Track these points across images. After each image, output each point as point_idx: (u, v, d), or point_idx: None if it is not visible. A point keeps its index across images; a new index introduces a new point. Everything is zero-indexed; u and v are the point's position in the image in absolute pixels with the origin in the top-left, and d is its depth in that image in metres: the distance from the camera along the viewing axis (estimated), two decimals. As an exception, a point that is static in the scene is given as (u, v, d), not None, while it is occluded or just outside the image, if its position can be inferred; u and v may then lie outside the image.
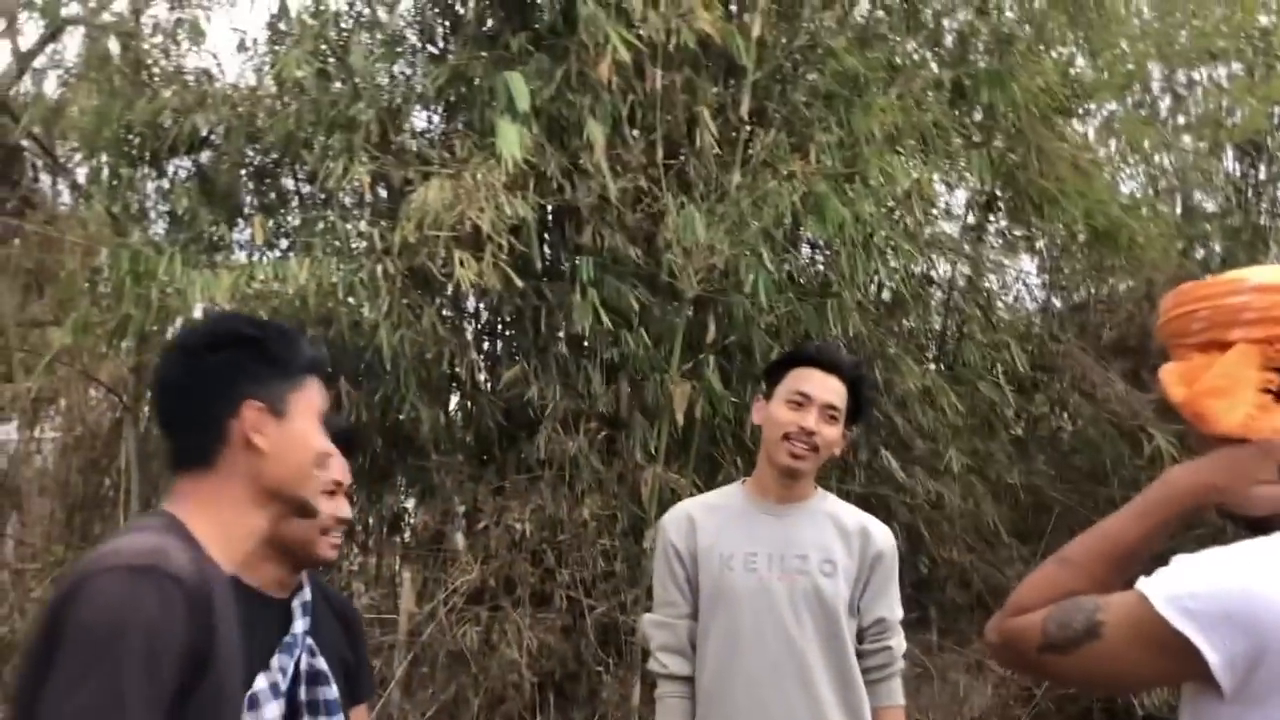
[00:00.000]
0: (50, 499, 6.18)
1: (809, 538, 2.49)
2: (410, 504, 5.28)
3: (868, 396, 2.63)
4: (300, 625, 2.01)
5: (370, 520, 5.34)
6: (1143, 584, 1.24)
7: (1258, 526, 1.29)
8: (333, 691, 2.02)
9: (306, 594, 2.06)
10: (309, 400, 1.60)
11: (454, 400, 5.16)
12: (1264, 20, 7.61)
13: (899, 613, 2.57)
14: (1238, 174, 8.13)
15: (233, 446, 1.51)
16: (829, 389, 2.50)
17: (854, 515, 2.58)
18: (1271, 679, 1.17)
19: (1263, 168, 8.00)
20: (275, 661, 1.94)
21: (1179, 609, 1.19)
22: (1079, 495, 6.03)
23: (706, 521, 2.55)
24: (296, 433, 1.56)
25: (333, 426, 2.09)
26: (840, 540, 2.50)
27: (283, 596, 2.02)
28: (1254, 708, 1.19)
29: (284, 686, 1.94)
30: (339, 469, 2.05)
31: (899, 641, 2.55)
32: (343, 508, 2.06)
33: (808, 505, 2.54)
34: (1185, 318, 1.36)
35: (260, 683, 1.90)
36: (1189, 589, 1.21)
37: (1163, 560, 1.27)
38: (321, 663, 2.02)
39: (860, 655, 2.49)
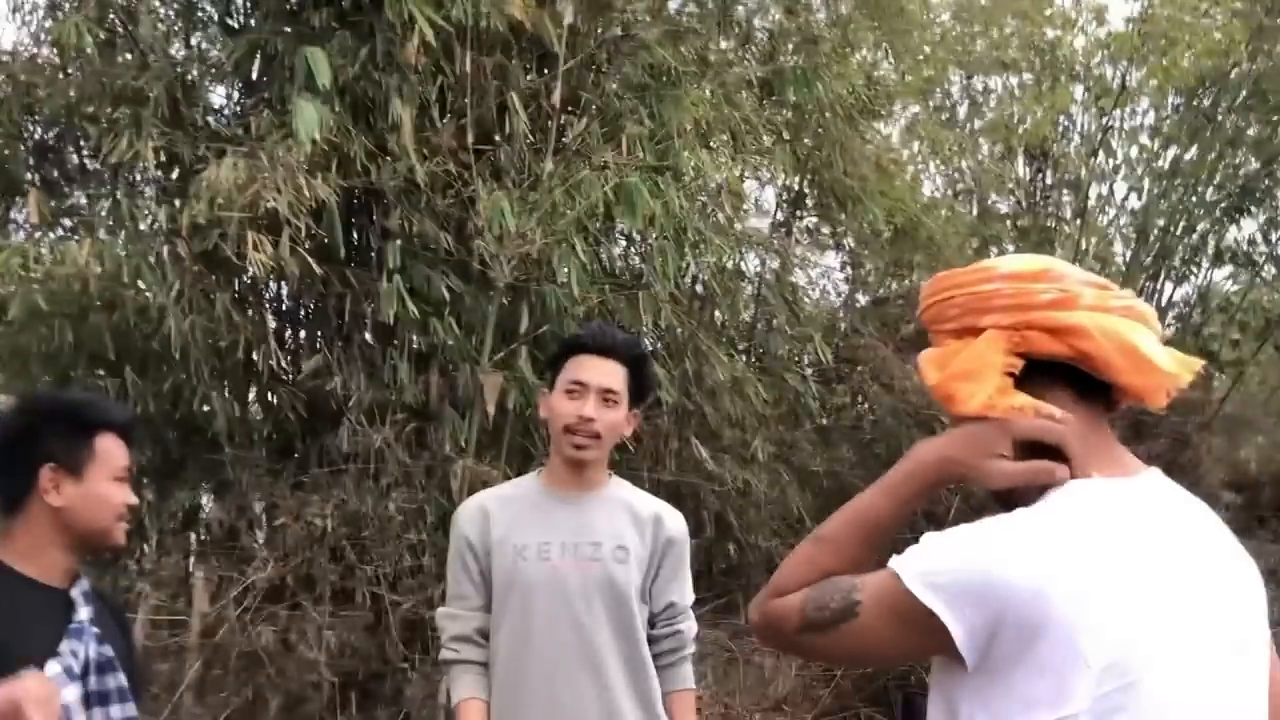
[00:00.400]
0: None
1: (602, 525, 2.48)
2: (204, 500, 5.03)
3: (648, 374, 2.61)
4: (85, 613, 1.96)
5: (160, 517, 5.06)
6: (894, 561, 1.27)
7: (1009, 503, 1.33)
8: (122, 679, 1.98)
9: (85, 584, 2.02)
10: None
11: (251, 391, 4.94)
12: (1050, 34, 8.10)
13: (690, 597, 2.58)
14: (1028, 178, 8.65)
15: None
16: (605, 373, 2.47)
17: (647, 502, 2.58)
18: (1008, 650, 1.21)
19: (1049, 173, 8.54)
20: (66, 646, 1.90)
21: (926, 584, 1.23)
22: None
23: (500, 513, 2.51)
24: None
25: (114, 414, 2.03)
26: (633, 526, 2.50)
27: (63, 586, 1.97)
28: (994, 678, 1.22)
29: (78, 670, 1.90)
30: (125, 456, 2.02)
31: (690, 625, 2.56)
32: (131, 495, 2.03)
33: (601, 493, 2.53)
34: (942, 304, 1.39)
35: (52, 668, 1.86)
36: (935, 565, 1.24)
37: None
38: (109, 650, 1.97)
39: (651, 640, 2.50)
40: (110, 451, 1.99)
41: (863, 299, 7.41)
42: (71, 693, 1.88)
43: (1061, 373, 1.32)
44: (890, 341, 6.35)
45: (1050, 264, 1.37)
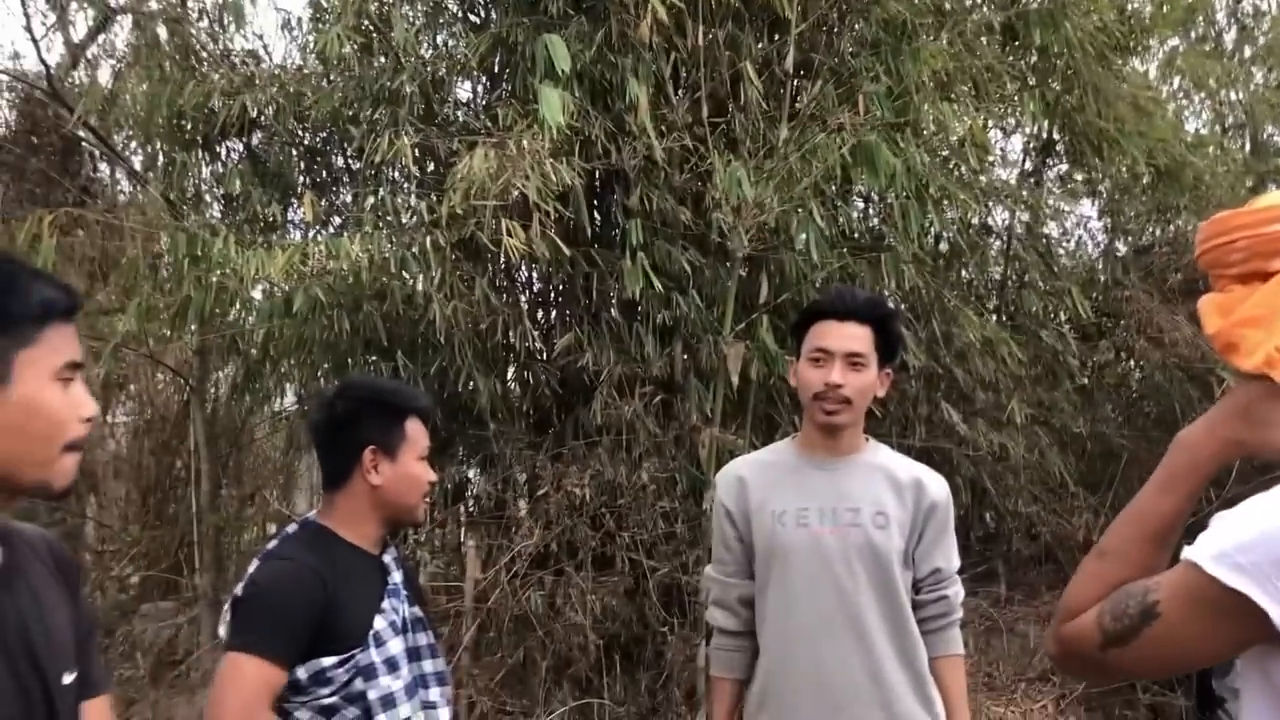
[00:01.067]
0: (124, 481, 6.35)
1: (860, 490, 2.46)
2: (472, 473, 5.33)
3: (895, 332, 2.54)
4: (397, 576, 2.18)
5: (434, 491, 5.41)
6: (1188, 551, 1.19)
7: None
8: (431, 636, 2.21)
9: (394, 550, 2.25)
10: (42, 355, 1.33)
11: (510, 370, 5.18)
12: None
13: (955, 562, 2.52)
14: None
15: None
16: (847, 337, 2.44)
17: (907, 466, 2.53)
18: None
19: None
20: (387, 604, 2.12)
21: (1228, 565, 1.13)
22: (1147, 442, 5.91)
23: (757, 479, 2.53)
24: (21, 399, 1.31)
25: (418, 399, 2.25)
26: (893, 492, 2.46)
27: (376, 553, 2.20)
28: None
29: (400, 625, 2.12)
30: (427, 438, 2.23)
31: (956, 590, 2.51)
32: (432, 473, 2.25)
33: (858, 458, 2.51)
34: (1224, 248, 1.29)
35: (379, 623, 2.08)
36: (1234, 543, 1.14)
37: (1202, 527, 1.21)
38: (418, 610, 2.20)
39: (916, 606, 2.46)
40: (417, 434, 2.20)
41: (1123, 248, 6.95)
42: (397, 645, 2.09)
43: None
44: (1156, 292, 5.93)
45: None
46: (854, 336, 2.44)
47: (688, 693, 4.53)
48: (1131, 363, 6.41)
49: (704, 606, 2.63)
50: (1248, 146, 7.74)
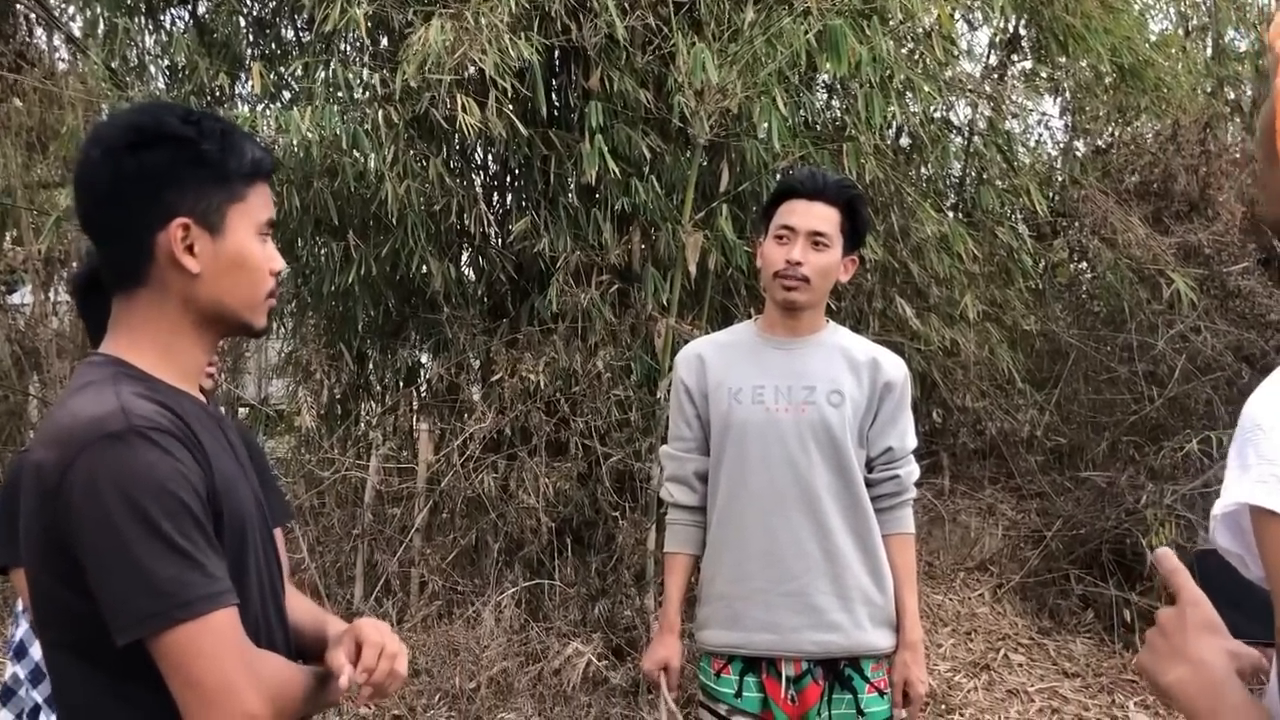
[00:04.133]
0: (68, 360, 6.24)
1: (817, 369, 2.48)
2: (424, 357, 5.30)
3: (862, 217, 2.54)
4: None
5: (386, 374, 5.38)
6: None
7: None
8: None
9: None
10: (251, 210, 1.42)
11: (465, 253, 5.11)
12: None
13: (911, 442, 2.56)
14: (1275, 8, 7.82)
15: (161, 264, 1.38)
16: (814, 216, 2.44)
17: (865, 347, 2.56)
18: None
19: (1301, 2, 7.68)
20: None
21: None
22: (1095, 341, 6.00)
23: (716, 359, 2.55)
24: (233, 250, 1.41)
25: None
26: (850, 371, 2.49)
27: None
28: None
29: None
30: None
31: (909, 470, 2.55)
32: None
33: (817, 338, 2.53)
34: None
35: None
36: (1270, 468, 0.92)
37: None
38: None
39: (869, 484, 2.51)
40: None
41: (1082, 148, 6.95)
42: None
43: None
44: (1112, 193, 5.95)
45: None
46: (820, 216, 2.44)
47: (637, 575, 4.61)
48: (1084, 263, 6.47)
49: (659, 486, 2.66)
50: (1209, 50, 7.71)
